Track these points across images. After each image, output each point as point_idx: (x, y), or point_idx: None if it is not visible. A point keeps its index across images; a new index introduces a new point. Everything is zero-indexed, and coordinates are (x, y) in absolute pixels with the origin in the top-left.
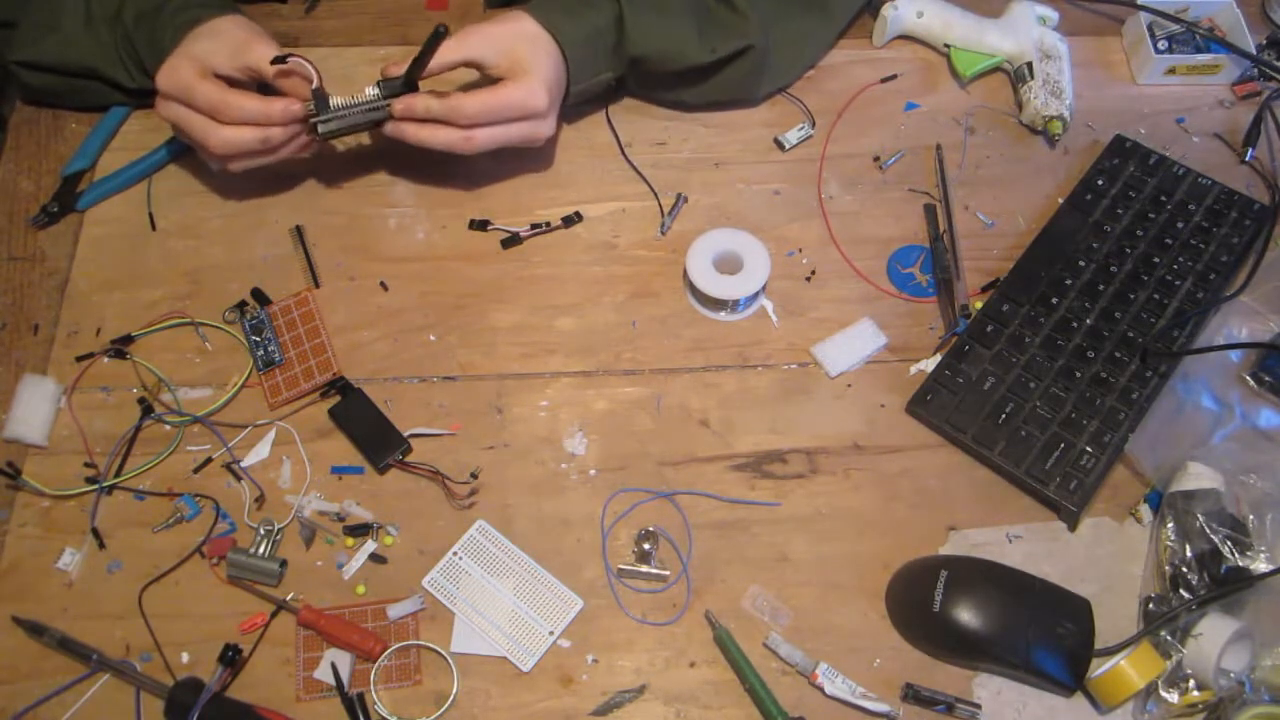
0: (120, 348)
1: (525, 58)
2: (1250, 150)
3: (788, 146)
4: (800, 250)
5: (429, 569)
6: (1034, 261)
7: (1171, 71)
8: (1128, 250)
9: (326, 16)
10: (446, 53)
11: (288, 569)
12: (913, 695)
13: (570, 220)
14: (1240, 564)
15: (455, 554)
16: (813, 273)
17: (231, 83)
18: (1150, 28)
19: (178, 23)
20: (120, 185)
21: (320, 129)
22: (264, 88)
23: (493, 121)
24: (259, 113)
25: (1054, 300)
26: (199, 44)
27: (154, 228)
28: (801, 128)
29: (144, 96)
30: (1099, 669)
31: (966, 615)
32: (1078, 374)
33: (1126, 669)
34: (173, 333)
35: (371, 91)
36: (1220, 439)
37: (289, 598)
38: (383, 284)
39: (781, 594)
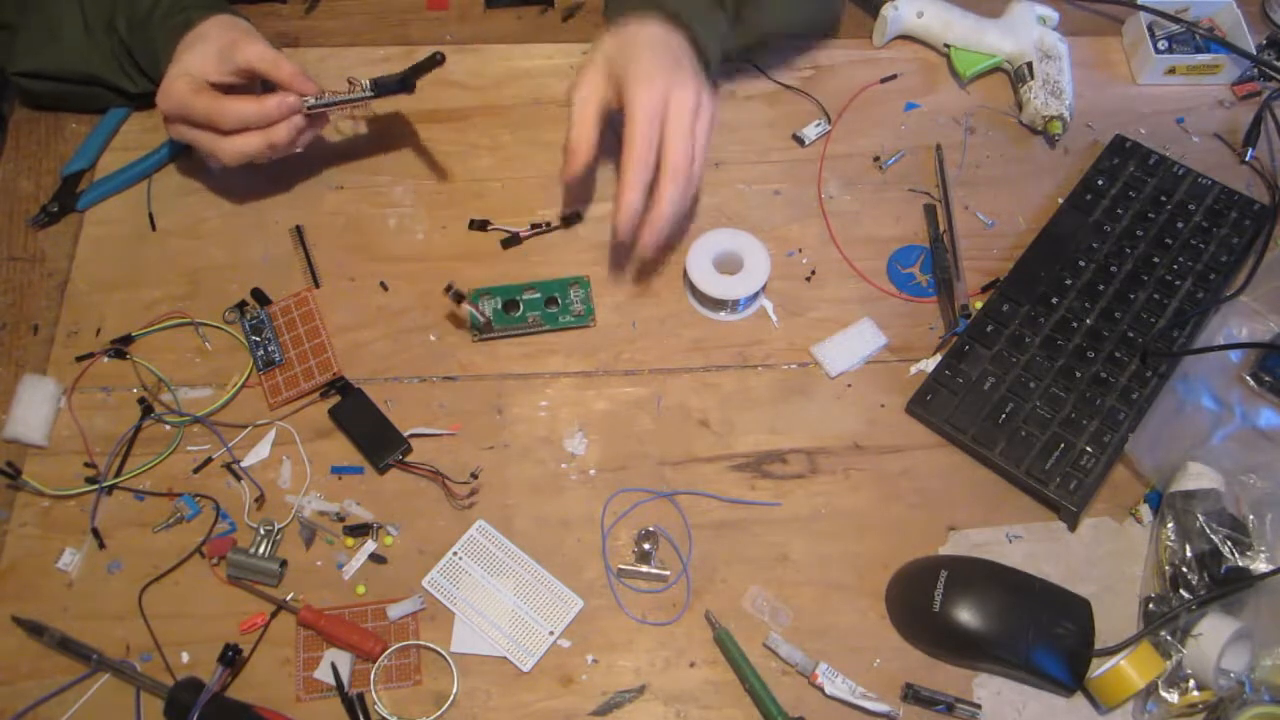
0: (120, 348)
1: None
2: (1250, 150)
3: (807, 142)
4: (800, 250)
5: (429, 569)
6: (1034, 261)
7: (1171, 71)
8: (1128, 250)
9: (326, 16)
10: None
11: (288, 569)
12: (913, 695)
13: (570, 220)
14: (1240, 564)
15: (455, 554)
16: (813, 273)
17: (232, 88)
18: (1150, 28)
19: (168, 27)
20: (120, 185)
21: (311, 110)
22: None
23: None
24: (256, 114)
25: (1054, 300)
26: (188, 56)
27: (154, 228)
28: (819, 124)
29: (148, 100)
30: (1099, 669)
31: (966, 615)
32: (1078, 374)
33: (1126, 669)
34: (173, 333)
35: (366, 85)
36: (1220, 439)
37: (289, 598)
38: (383, 284)
39: (781, 594)
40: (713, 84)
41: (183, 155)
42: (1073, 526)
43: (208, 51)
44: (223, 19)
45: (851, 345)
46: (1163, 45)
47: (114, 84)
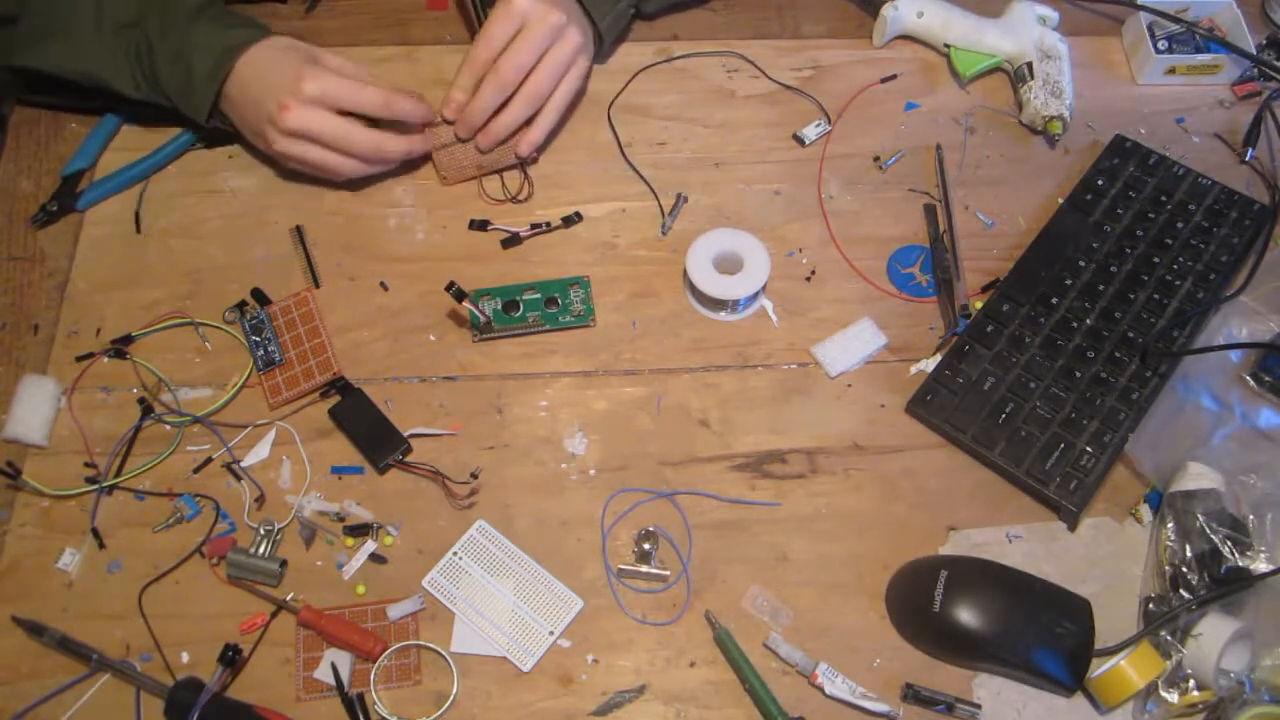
0: (120, 348)
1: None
2: (1250, 150)
3: (807, 142)
4: (800, 250)
5: (429, 569)
6: (1034, 261)
7: (1171, 71)
8: (1128, 250)
9: (326, 16)
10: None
11: (288, 569)
12: (913, 695)
13: (570, 220)
14: (1240, 564)
15: (455, 554)
16: (813, 273)
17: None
18: (1150, 28)
19: (222, 46)
20: (120, 185)
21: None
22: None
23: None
24: (400, 152)
25: (1054, 300)
26: (309, 76)
27: (139, 230)
28: (819, 124)
29: (142, 106)
30: (1099, 669)
31: (966, 615)
32: (1078, 374)
33: (1126, 669)
34: (173, 333)
35: None
36: (1220, 439)
37: (289, 598)
38: (383, 284)
39: (781, 594)
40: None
41: (182, 155)
42: (1073, 526)
43: (325, 74)
44: (281, 39)
45: (851, 345)
46: (1163, 45)
47: (113, 88)
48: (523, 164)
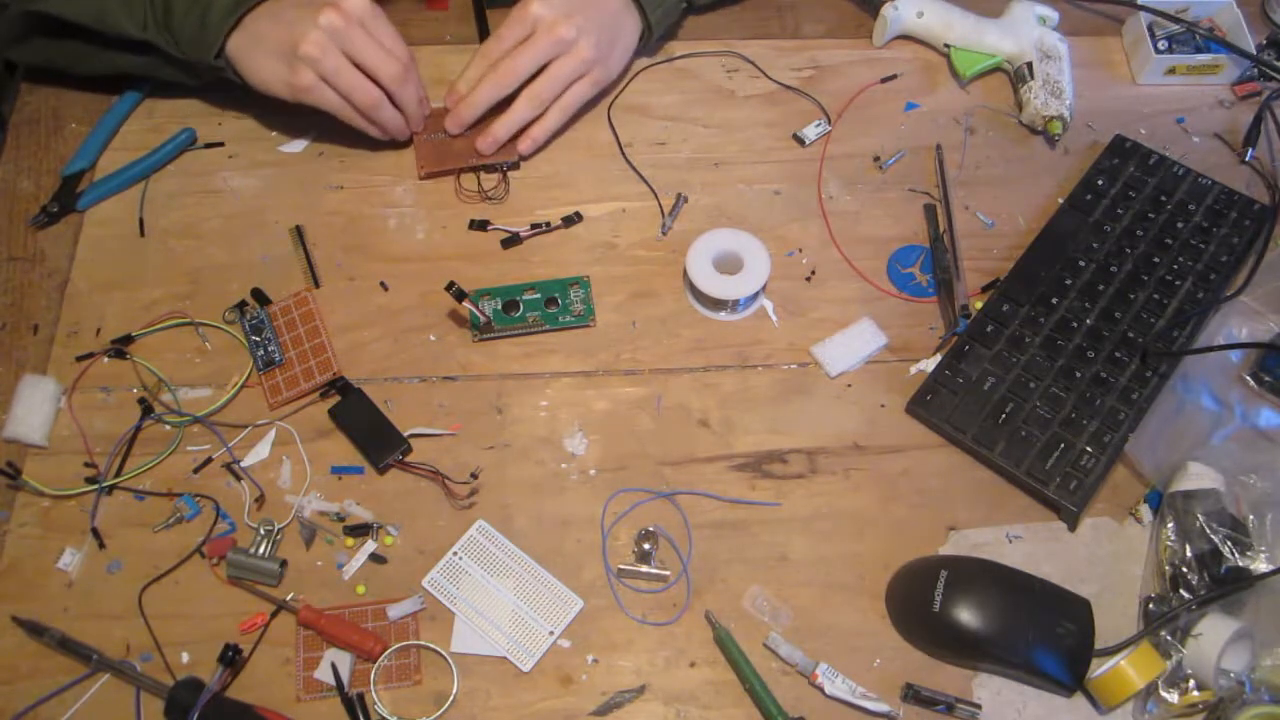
0: (120, 348)
1: None
2: (1250, 150)
3: (807, 142)
4: (800, 250)
5: (429, 569)
6: (1034, 261)
7: (1171, 71)
8: (1128, 250)
9: None
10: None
11: (288, 569)
12: (913, 695)
13: (570, 220)
14: (1240, 564)
15: (455, 554)
16: (813, 273)
17: None
18: (1150, 28)
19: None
20: (120, 185)
21: None
22: None
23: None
24: (413, 103)
25: (1054, 300)
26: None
27: (143, 233)
28: (819, 124)
29: (139, 50)
30: (1099, 669)
31: (966, 615)
32: (1078, 374)
33: (1126, 669)
34: (173, 333)
35: None
36: (1220, 439)
37: (289, 598)
38: (383, 284)
39: (781, 594)
40: (647, 46)
41: (182, 155)
42: (1073, 526)
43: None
44: None
45: (851, 345)
46: (1163, 45)
47: (119, 28)
48: (501, 166)
